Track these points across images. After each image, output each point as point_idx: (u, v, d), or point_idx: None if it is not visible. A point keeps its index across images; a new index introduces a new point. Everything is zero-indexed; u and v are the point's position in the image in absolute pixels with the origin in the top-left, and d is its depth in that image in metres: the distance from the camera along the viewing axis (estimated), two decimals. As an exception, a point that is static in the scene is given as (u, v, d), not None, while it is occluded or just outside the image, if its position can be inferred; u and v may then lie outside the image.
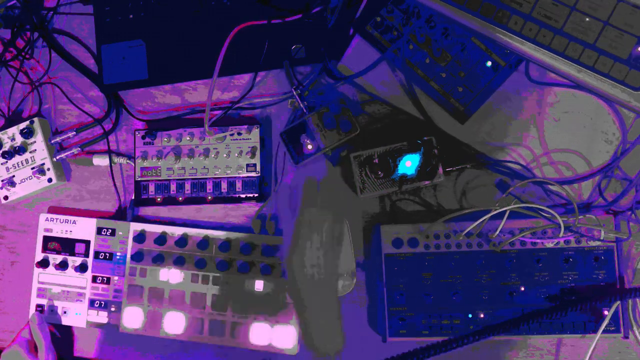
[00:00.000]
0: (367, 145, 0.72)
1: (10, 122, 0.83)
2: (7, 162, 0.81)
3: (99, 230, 0.79)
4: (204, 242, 0.77)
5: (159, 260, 0.77)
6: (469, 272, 0.72)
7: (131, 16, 0.80)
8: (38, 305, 0.80)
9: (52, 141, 0.82)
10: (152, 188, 0.79)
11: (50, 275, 0.80)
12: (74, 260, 0.79)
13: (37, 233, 0.81)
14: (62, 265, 0.79)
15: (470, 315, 0.71)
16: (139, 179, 0.79)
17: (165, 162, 0.79)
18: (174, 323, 0.77)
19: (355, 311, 0.76)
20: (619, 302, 0.68)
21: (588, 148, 0.72)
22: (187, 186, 0.78)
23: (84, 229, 0.80)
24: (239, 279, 0.76)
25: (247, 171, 0.77)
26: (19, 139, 0.81)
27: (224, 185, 0.77)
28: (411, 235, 0.72)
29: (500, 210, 0.69)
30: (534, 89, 0.73)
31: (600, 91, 0.63)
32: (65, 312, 0.79)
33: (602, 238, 0.70)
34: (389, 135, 0.73)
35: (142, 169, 0.79)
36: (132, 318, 0.77)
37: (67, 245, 0.80)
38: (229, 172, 0.77)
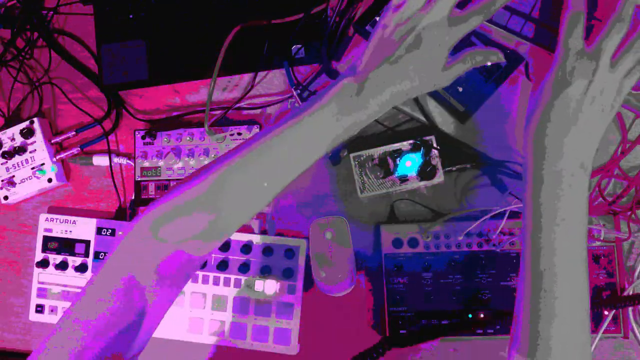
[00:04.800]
0: (367, 145, 0.72)
1: (10, 122, 0.83)
2: (7, 162, 0.81)
3: (99, 230, 0.79)
4: (204, 242, 0.76)
5: (159, 260, 0.76)
6: (469, 272, 0.71)
7: (131, 16, 0.80)
8: (38, 305, 0.80)
9: (52, 141, 0.82)
10: (152, 188, 0.79)
11: (50, 275, 0.80)
12: (74, 260, 0.79)
13: (37, 233, 0.81)
14: (62, 266, 0.79)
15: (470, 316, 0.71)
16: (139, 179, 0.79)
17: (165, 162, 0.79)
18: (174, 323, 0.77)
19: (355, 311, 0.76)
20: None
21: (588, 148, 0.72)
22: (187, 186, 0.78)
23: (84, 229, 0.80)
24: (238, 279, 0.76)
25: (247, 171, 0.77)
26: (19, 139, 0.81)
27: (224, 185, 0.77)
28: (411, 235, 0.72)
29: (500, 210, 0.69)
30: (534, 89, 0.73)
31: (600, 91, 0.63)
32: (65, 312, 0.79)
33: (602, 238, 0.70)
34: (389, 135, 0.73)
35: (142, 169, 0.79)
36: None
37: (67, 245, 0.80)
38: (229, 172, 0.77)
